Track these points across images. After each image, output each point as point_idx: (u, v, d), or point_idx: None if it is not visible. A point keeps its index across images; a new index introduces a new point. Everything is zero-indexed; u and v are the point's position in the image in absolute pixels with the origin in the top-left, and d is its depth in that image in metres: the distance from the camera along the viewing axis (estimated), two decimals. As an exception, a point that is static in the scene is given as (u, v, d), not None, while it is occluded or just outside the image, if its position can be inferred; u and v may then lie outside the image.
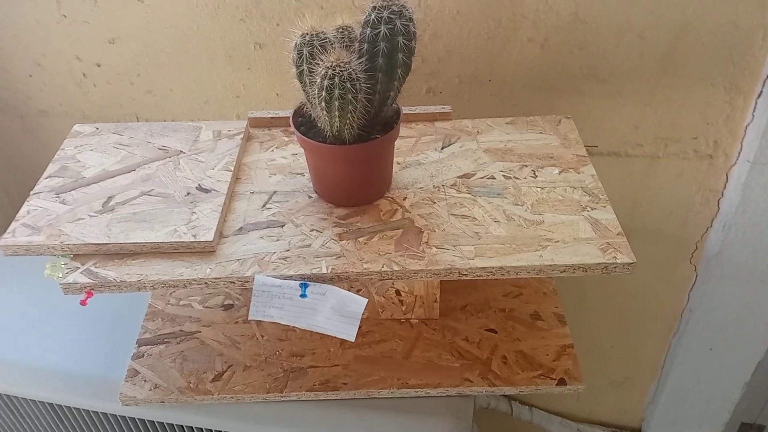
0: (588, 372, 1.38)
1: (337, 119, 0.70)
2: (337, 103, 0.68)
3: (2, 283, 1.04)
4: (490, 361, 0.90)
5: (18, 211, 0.80)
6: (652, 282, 1.21)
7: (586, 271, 0.72)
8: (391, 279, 0.72)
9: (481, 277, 0.73)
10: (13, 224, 0.77)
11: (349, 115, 0.69)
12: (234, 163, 0.86)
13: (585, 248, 0.73)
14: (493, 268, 0.72)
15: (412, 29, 0.69)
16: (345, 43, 0.71)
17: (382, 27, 0.68)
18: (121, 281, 0.72)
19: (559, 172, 0.84)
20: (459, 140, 0.91)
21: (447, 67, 1.01)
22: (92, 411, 0.92)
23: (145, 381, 0.88)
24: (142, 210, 0.78)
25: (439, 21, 0.98)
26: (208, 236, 0.74)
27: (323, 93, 0.67)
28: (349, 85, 0.67)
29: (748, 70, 0.94)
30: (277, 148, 0.91)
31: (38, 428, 1.00)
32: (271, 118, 0.94)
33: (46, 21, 1.08)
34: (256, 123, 0.95)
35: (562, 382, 0.88)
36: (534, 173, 0.84)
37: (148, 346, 0.93)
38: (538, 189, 0.82)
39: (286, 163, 0.88)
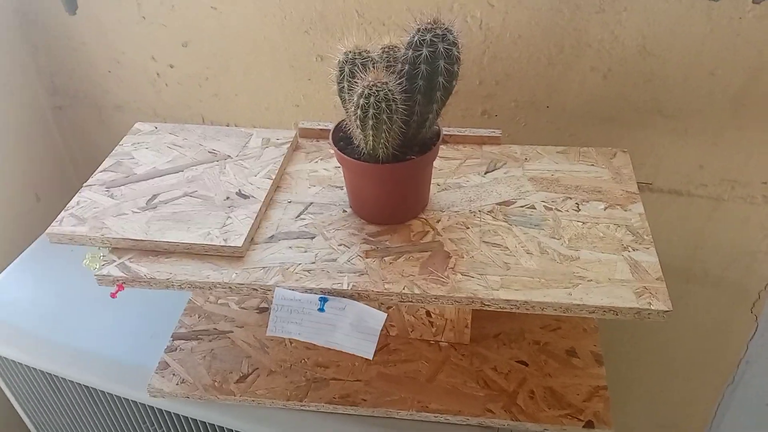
0: (633, 415, 1.31)
1: (371, 138, 0.69)
2: (371, 122, 0.67)
3: (54, 266, 1.10)
4: (517, 394, 0.87)
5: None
6: (710, 329, 1.13)
7: (617, 315, 0.68)
8: (410, 302, 0.71)
9: (504, 310, 0.70)
10: (62, 213, 0.81)
11: (383, 134, 0.69)
12: (276, 171, 0.87)
13: (619, 290, 0.70)
14: (517, 301, 0.69)
15: (455, 53, 0.68)
16: (388, 63, 0.71)
17: (424, 49, 0.67)
18: (151, 278, 0.74)
19: (605, 208, 0.81)
20: (504, 166, 0.89)
21: (504, 91, 0.99)
22: (123, 397, 0.96)
23: (174, 375, 0.91)
24: (182, 210, 0.81)
25: (500, 44, 0.96)
26: (238, 242, 0.75)
27: (358, 111, 0.67)
28: (384, 105, 0.67)
29: (828, 114, 0.87)
30: (321, 159, 0.92)
31: (76, 407, 1.05)
32: (320, 129, 0.95)
33: (127, 21, 1.14)
34: (306, 133, 0.96)
35: (589, 424, 0.84)
36: (577, 207, 0.81)
37: (182, 341, 0.96)
38: (579, 224, 0.78)
39: (328, 175, 0.89)
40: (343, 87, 0.70)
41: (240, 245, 0.75)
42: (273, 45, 1.08)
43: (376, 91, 0.66)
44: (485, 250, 0.75)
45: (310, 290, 0.72)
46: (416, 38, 0.68)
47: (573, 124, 0.99)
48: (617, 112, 0.95)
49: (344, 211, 0.82)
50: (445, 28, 0.68)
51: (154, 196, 0.84)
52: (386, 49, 0.72)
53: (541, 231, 0.78)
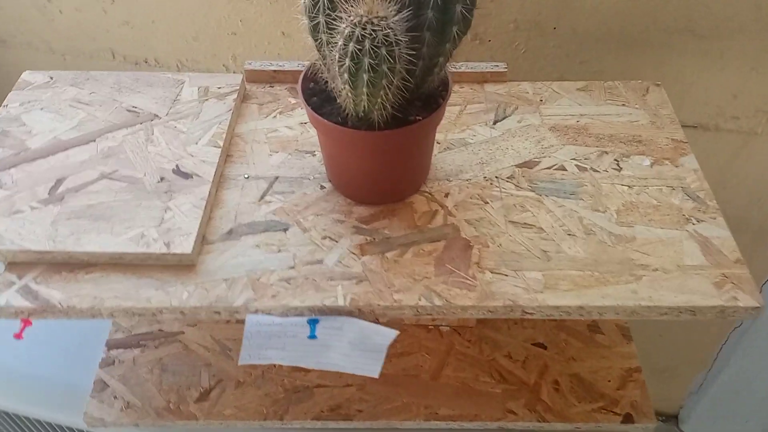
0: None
1: (365, 97, 0.49)
2: (366, 76, 0.47)
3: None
4: (539, 386, 0.73)
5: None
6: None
7: (695, 314, 0.54)
8: (429, 315, 0.54)
9: (551, 317, 0.54)
10: (-74, 218, 0.58)
11: (382, 92, 0.49)
12: (224, 134, 0.66)
13: (693, 281, 0.54)
14: (569, 307, 0.53)
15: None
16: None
17: (436, -32, 0.46)
18: (69, 306, 0.53)
19: (651, 164, 0.64)
20: (516, 111, 0.70)
21: (501, 9, 0.79)
22: (56, 425, 0.77)
23: (115, 398, 0.72)
24: (101, 202, 0.59)
25: (496, -53, 0.75)
26: (185, 247, 0.55)
27: (347, 61, 0.47)
28: (384, 52, 0.46)
29: None
30: (280, 113, 0.70)
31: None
32: (275, 71, 0.73)
33: (-9, -73, 0.85)
34: (255, 77, 0.74)
35: (628, 418, 0.71)
36: (617, 164, 0.64)
37: (120, 350, 0.76)
38: (625, 188, 0.62)
39: (293, 135, 0.68)
40: (318, 24, 0.49)
41: (189, 251, 0.55)
42: (196, -45, 0.83)
43: (373, 31, 0.45)
44: (515, 234, 0.58)
45: (294, 310, 0.53)
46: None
47: (585, 49, 0.80)
48: (640, 34, 0.77)
49: (322, 186, 0.63)
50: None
51: (59, 182, 0.61)
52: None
53: (580, 202, 0.61)
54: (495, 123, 0.68)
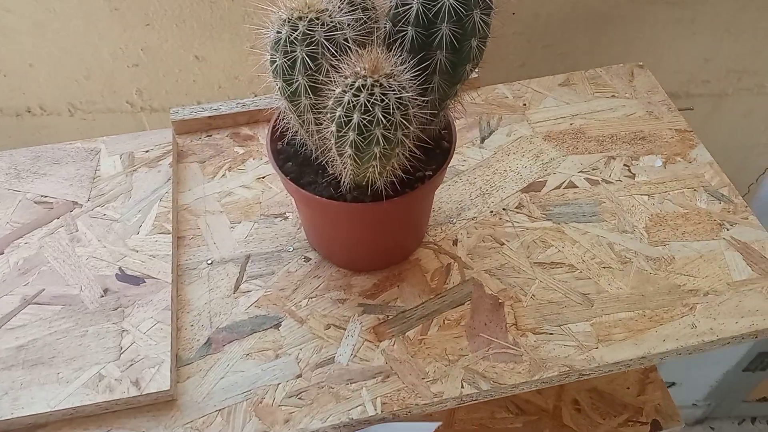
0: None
1: (374, 169, 0.39)
2: (377, 149, 0.36)
3: None
4: (560, 411, 0.67)
5: None
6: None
7: (757, 337, 0.48)
8: (474, 401, 0.45)
9: (611, 373, 0.47)
10: None
11: (394, 159, 0.38)
12: (170, 213, 0.53)
13: (748, 300, 0.49)
14: (630, 360, 0.46)
15: (493, -7, 0.38)
16: (361, 24, 0.39)
17: (446, -3, 0.35)
18: (24, 496, 0.40)
19: (664, 164, 0.57)
20: (502, 122, 0.61)
21: None
22: None
23: None
24: (33, 339, 0.45)
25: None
26: (160, 381, 0.43)
27: (351, 134, 0.36)
28: (399, 117, 0.35)
29: None
30: (229, 169, 0.58)
31: None
32: (210, 117, 0.60)
33: None
34: (186, 127, 0.60)
35: (656, 425, 0.67)
36: (629, 170, 0.57)
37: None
38: (645, 198, 0.55)
39: (253, 197, 0.56)
40: (299, 87, 0.37)
41: (167, 386, 0.43)
42: (72, -21, 0.67)
43: (382, 95, 0.35)
44: (545, 279, 0.50)
45: None
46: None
47: (549, 31, 0.72)
48: (609, 9, 0.70)
49: (306, 258, 0.52)
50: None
51: None
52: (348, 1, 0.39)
53: (603, 224, 0.53)
54: (483, 141, 0.59)
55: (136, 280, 0.49)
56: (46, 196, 0.54)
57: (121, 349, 0.45)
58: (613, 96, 0.63)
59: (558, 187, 0.56)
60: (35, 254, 0.50)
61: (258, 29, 0.40)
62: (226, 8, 0.70)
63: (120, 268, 0.49)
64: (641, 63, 0.66)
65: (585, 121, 0.61)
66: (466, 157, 0.58)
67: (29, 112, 0.81)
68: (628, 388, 0.69)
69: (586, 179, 0.56)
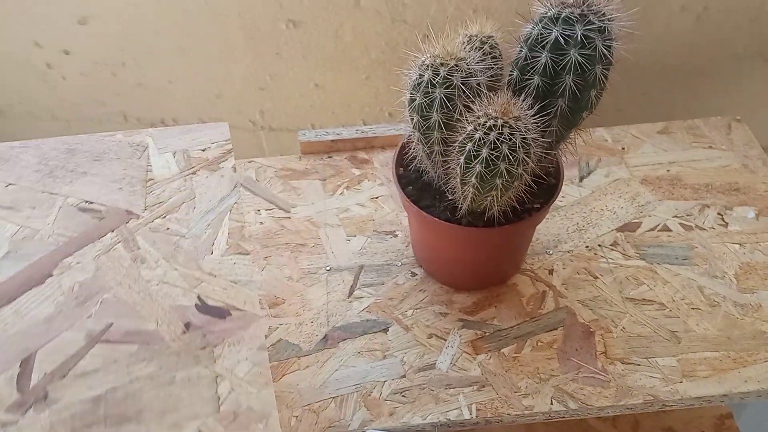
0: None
1: (493, 198, 0.44)
2: (500, 181, 0.42)
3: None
4: (635, 444, 0.70)
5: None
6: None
7: (840, 389, 0.50)
8: (561, 419, 0.49)
9: (693, 407, 0.50)
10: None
11: (510, 192, 0.44)
12: (243, 229, 0.46)
13: (834, 351, 0.51)
14: (712, 396, 0.49)
15: (615, 49, 0.43)
16: (489, 71, 0.44)
17: (573, 53, 0.41)
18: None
19: (757, 216, 0.60)
20: (600, 164, 0.65)
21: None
22: None
23: None
24: (111, 388, 0.38)
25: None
26: None
27: (477, 167, 0.41)
28: (521, 155, 0.41)
29: None
30: (347, 188, 0.64)
31: None
32: (332, 141, 0.67)
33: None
34: (311, 148, 0.68)
35: (729, 471, 0.68)
36: (722, 219, 0.60)
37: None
38: (736, 246, 0.58)
39: (366, 214, 0.62)
40: (433, 122, 0.43)
41: None
42: (218, 11, 0.76)
43: (510, 135, 0.40)
44: (636, 313, 0.54)
45: (415, 428, 0.48)
46: (555, 33, 0.41)
47: (648, 78, 0.76)
48: (707, 63, 0.73)
49: (413, 273, 0.57)
50: (599, 11, 0.41)
51: (27, 365, 0.39)
52: (477, 45, 0.45)
53: (695, 267, 0.56)
54: (581, 179, 0.64)
55: (221, 312, 0.42)
56: (92, 202, 0.46)
57: (219, 399, 0.39)
58: (710, 147, 0.66)
59: (653, 229, 0.59)
60: (92, 277, 0.42)
61: (399, 70, 0.46)
62: (347, 43, 0.77)
63: (199, 297, 0.42)
64: (739, 117, 0.69)
65: (682, 168, 0.64)
66: (564, 194, 0.63)
67: (163, 123, 0.91)
68: (703, 431, 0.71)
69: (680, 224, 0.60)
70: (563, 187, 0.63)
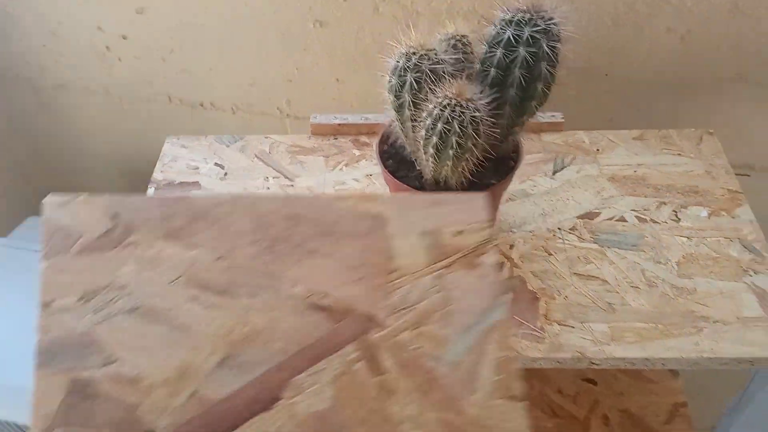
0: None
1: (447, 168, 0.52)
2: (451, 152, 0.50)
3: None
4: (589, 421, 0.76)
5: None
6: None
7: (753, 365, 0.56)
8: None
9: (617, 367, 0.57)
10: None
11: (464, 163, 0.52)
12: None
13: (752, 333, 0.57)
14: (635, 359, 0.56)
15: (559, 49, 0.51)
16: (459, 63, 0.53)
17: (521, 50, 0.49)
18: None
19: (709, 215, 0.67)
20: (574, 161, 0.73)
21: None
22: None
23: None
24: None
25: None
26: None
27: (434, 138, 0.50)
28: (471, 131, 0.49)
29: None
30: (346, 165, 0.74)
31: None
32: (339, 125, 0.77)
33: (63, -16, 0.90)
34: (320, 130, 0.77)
35: (677, 454, 0.74)
36: (676, 215, 0.67)
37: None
38: (684, 239, 0.65)
39: (360, 187, 0.71)
40: (405, 102, 0.52)
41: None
42: (256, 9, 0.87)
43: (461, 113, 0.49)
44: (580, 286, 0.61)
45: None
46: (508, 33, 0.50)
47: (637, 95, 0.83)
48: (692, 82, 0.80)
49: (392, 239, 0.66)
50: (549, 18, 0.50)
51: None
52: (453, 42, 0.54)
53: (641, 253, 0.64)
54: (554, 173, 0.71)
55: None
56: (326, 295, 0.34)
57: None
58: (679, 154, 0.73)
59: (610, 219, 0.67)
60: (330, 409, 0.32)
61: (384, 58, 0.55)
62: (367, 44, 0.87)
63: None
64: (711, 130, 0.75)
65: (648, 170, 0.71)
66: (536, 184, 0.70)
67: (201, 105, 1.02)
68: (658, 416, 0.77)
69: (636, 216, 0.67)
70: (537, 178, 0.71)
